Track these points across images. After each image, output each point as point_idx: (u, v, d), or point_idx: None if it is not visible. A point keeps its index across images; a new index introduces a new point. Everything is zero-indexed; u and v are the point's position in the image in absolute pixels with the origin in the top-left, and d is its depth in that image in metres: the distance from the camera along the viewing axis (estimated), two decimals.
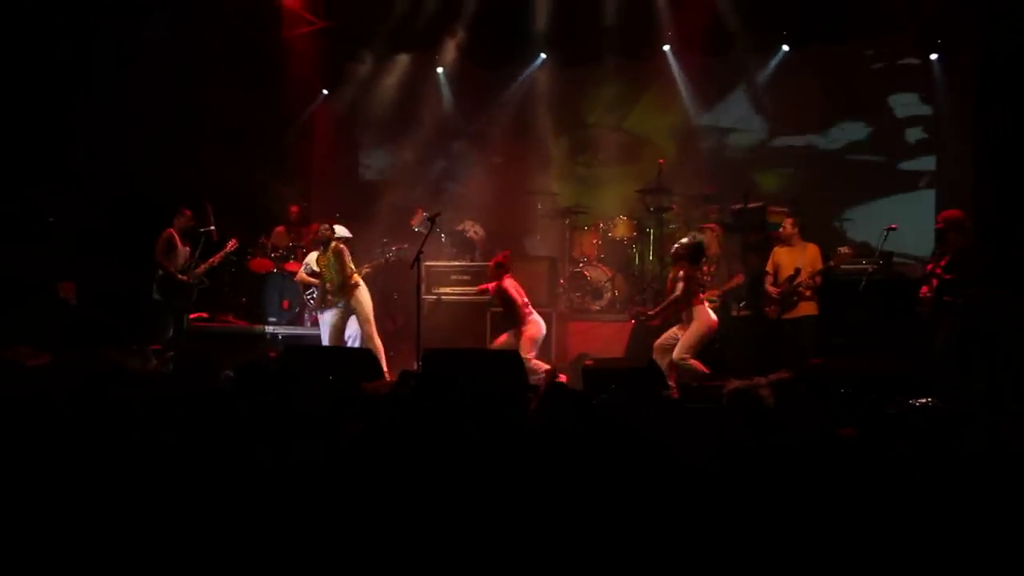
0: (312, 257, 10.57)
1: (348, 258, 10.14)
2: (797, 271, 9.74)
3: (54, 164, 11.15)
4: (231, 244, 10.87)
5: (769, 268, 10.04)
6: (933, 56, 11.94)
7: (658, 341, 9.37)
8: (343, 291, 10.11)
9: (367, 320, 10.13)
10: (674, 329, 9.30)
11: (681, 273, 9.19)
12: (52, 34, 10.95)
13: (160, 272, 10.46)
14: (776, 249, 10.11)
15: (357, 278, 10.17)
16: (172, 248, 10.52)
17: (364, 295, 10.19)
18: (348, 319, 10.28)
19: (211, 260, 10.73)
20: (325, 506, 3.24)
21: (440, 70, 13.78)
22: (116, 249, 10.86)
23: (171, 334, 10.48)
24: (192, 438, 3.76)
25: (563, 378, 9.76)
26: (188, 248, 10.66)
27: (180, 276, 10.49)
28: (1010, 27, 10.38)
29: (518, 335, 10.01)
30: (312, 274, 10.60)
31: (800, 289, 9.72)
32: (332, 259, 10.13)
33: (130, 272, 10.61)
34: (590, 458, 3.50)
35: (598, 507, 3.13)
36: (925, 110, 12.29)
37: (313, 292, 10.88)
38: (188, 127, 11.98)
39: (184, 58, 11.96)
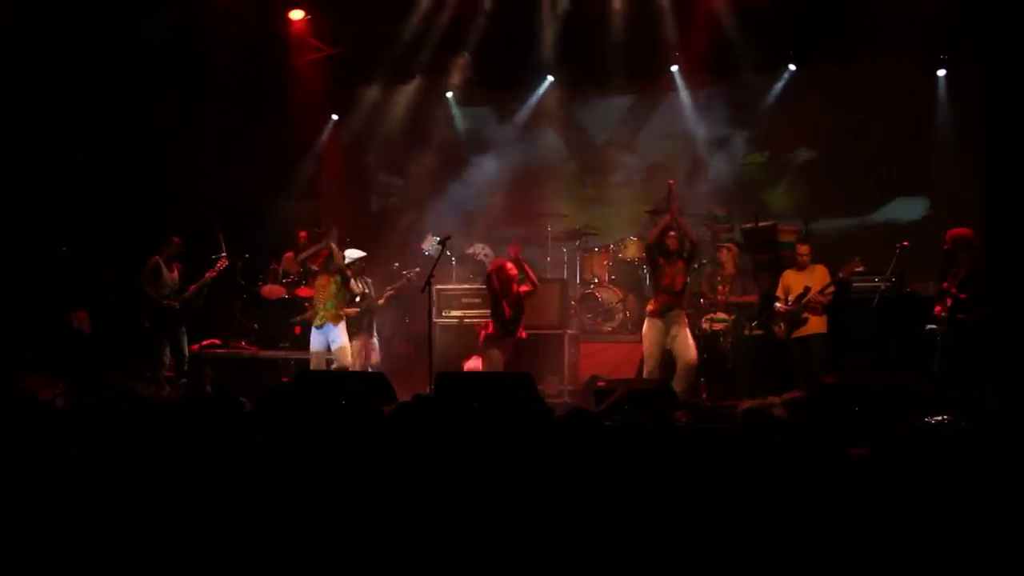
0: None
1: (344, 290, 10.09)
2: (806, 290, 9.80)
3: (54, 164, 11.08)
4: (220, 263, 10.79)
5: (779, 292, 10.12)
6: (941, 72, 11.95)
7: (648, 369, 9.55)
8: (327, 316, 10.07)
9: (345, 354, 10.07)
10: (650, 348, 9.47)
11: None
12: (52, 34, 10.90)
13: (146, 299, 10.41)
14: (786, 272, 10.24)
15: (342, 314, 10.14)
16: (157, 275, 10.46)
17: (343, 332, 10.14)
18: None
19: (201, 280, 10.67)
20: (325, 506, 3.23)
21: (449, 94, 13.83)
22: (116, 250, 10.83)
23: (169, 360, 10.44)
24: (192, 438, 3.75)
25: None
26: (176, 274, 10.61)
27: (165, 302, 10.43)
28: (1010, 27, 10.36)
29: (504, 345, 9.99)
30: None
31: (811, 305, 9.73)
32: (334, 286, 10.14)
33: (130, 273, 10.56)
34: (592, 458, 3.49)
35: (597, 507, 3.12)
36: (931, 121, 12.25)
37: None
38: (190, 128, 11.91)
39: (185, 60, 11.87)
